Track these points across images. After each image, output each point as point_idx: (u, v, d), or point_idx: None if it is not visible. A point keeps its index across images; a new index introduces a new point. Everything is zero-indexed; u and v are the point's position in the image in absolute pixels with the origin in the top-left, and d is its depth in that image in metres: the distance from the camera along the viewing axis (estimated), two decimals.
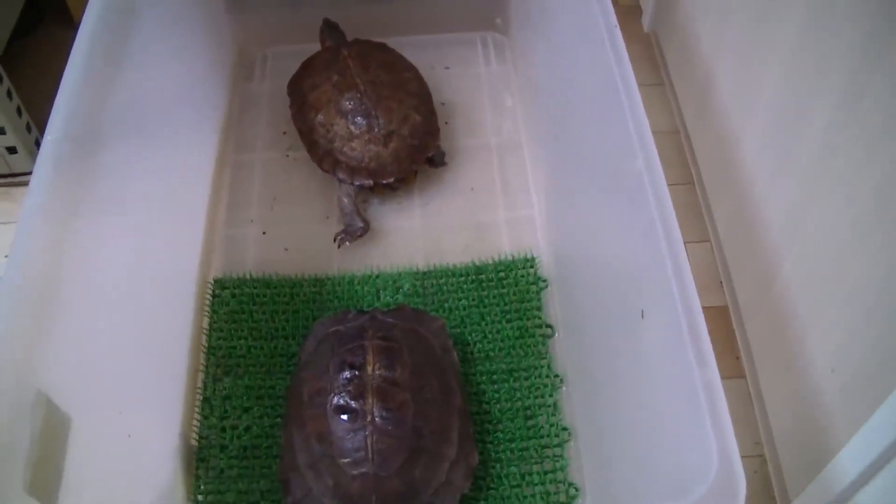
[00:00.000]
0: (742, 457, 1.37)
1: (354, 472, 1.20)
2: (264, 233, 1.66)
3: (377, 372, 1.26)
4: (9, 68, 1.75)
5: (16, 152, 1.78)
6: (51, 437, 0.94)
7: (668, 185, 1.04)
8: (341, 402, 1.24)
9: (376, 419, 1.21)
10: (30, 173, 1.06)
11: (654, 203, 1.02)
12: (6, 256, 0.96)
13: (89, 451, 1.02)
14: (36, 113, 1.81)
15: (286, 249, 1.62)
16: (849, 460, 1.09)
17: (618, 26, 1.22)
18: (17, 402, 0.91)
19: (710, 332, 0.89)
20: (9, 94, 1.72)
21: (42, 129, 1.10)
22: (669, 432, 0.98)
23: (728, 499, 0.81)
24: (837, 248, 1.16)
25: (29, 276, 0.98)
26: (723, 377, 0.85)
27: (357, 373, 1.26)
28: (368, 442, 1.20)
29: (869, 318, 1.08)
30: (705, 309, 0.92)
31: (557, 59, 1.55)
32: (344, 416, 1.22)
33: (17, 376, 0.92)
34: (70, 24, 1.92)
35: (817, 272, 1.22)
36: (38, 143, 1.80)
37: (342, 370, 1.26)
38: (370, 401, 1.23)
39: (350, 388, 1.24)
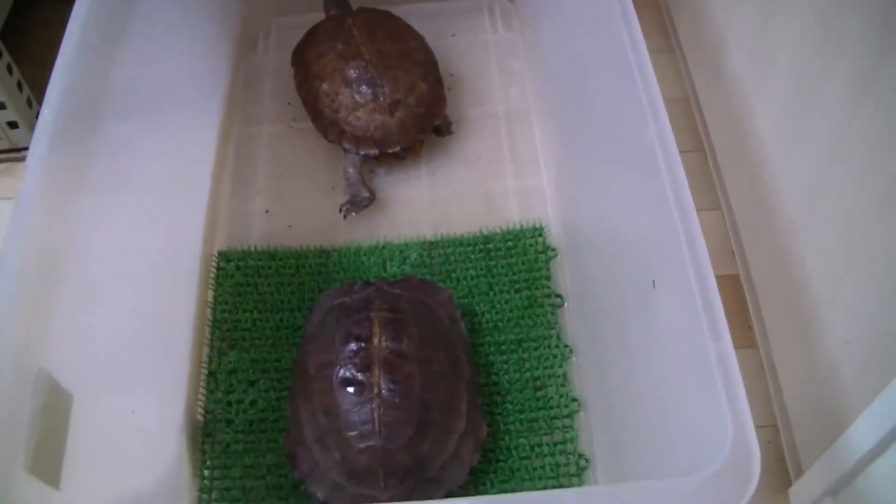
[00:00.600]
0: (756, 427, 1.37)
1: (361, 445, 1.19)
2: (269, 209, 1.64)
3: (384, 344, 1.25)
4: (9, 42, 1.73)
5: (17, 127, 1.75)
6: (52, 415, 0.93)
7: (679, 152, 1.02)
8: (347, 374, 1.22)
9: (383, 391, 1.20)
10: None
11: (666, 173, 1.00)
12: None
13: (92, 428, 1.01)
14: (37, 88, 1.78)
15: (290, 226, 1.61)
16: (862, 432, 1.08)
17: None
18: (19, 380, 0.90)
19: (722, 302, 0.88)
20: (9, 68, 1.70)
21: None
22: (683, 406, 0.96)
23: (742, 475, 0.80)
24: (855, 217, 1.14)
25: (28, 254, 0.96)
26: (735, 347, 0.83)
27: (363, 345, 1.24)
28: (375, 415, 1.19)
29: (885, 289, 1.07)
30: (717, 278, 0.91)
31: (566, 25, 1.52)
32: (350, 389, 1.21)
33: (18, 355, 0.90)
34: None
35: (833, 242, 1.20)
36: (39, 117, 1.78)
37: (348, 342, 1.25)
38: (377, 373, 1.22)
39: (356, 360, 1.23)
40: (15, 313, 0.92)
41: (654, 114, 1.05)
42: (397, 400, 1.20)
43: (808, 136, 1.26)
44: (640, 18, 1.17)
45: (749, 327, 1.48)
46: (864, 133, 1.10)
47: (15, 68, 1.71)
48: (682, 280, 0.92)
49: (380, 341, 1.25)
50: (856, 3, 1.12)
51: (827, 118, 1.20)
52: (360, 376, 1.22)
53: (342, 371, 1.23)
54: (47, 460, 0.90)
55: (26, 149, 1.76)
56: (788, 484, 1.32)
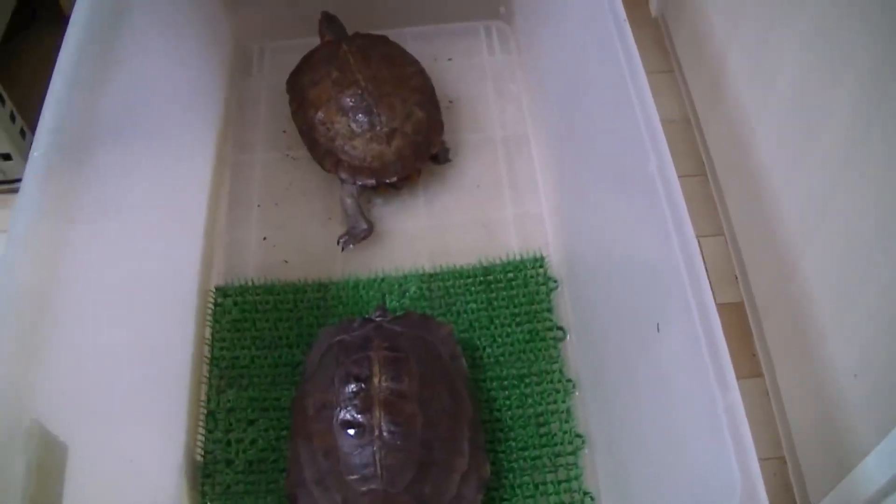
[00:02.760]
0: (760, 459, 1.35)
1: (363, 488, 1.17)
2: (265, 238, 1.62)
3: (384, 384, 1.23)
4: (0, 71, 1.71)
5: (10, 159, 1.74)
6: (47, 467, 0.92)
7: (680, 176, 1.02)
8: (347, 416, 1.21)
9: (384, 433, 1.18)
10: None
11: (668, 210, 0.99)
12: None
13: (89, 477, 1.00)
14: (30, 116, 1.76)
15: (286, 261, 1.59)
16: (875, 466, 1.06)
17: (626, 19, 1.18)
18: (10, 434, 0.88)
19: (725, 330, 0.86)
20: (0, 99, 1.68)
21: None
22: (690, 451, 0.95)
23: None
24: (862, 244, 1.13)
25: (17, 293, 0.95)
26: (739, 376, 0.82)
27: (363, 385, 1.23)
28: (377, 457, 1.17)
29: (894, 318, 1.05)
30: (720, 305, 0.90)
31: (563, 48, 1.51)
32: (350, 431, 1.20)
33: (8, 406, 0.89)
34: (64, 22, 1.89)
35: (840, 269, 1.19)
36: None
37: (347, 383, 1.23)
38: (377, 414, 1.20)
39: (356, 401, 1.21)
40: (6, 361, 0.91)
41: (655, 146, 1.05)
42: (398, 442, 1.18)
43: (809, 158, 1.25)
44: (639, 38, 1.16)
45: (753, 355, 1.47)
46: (868, 154, 1.09)
47: (7, 100, 1.70)
48: (688, 326, 0.91)
49: (380, 381, 1.23)
50: (856, 20, 1.11)
51: (829, 139, 1.19)
52: (360, 418, 1.20)
53: (342, 413, 1.21)
54: None
55: (20, 180, 1.75)
56: None
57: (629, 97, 1.10)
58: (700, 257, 0.94)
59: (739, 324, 1.51)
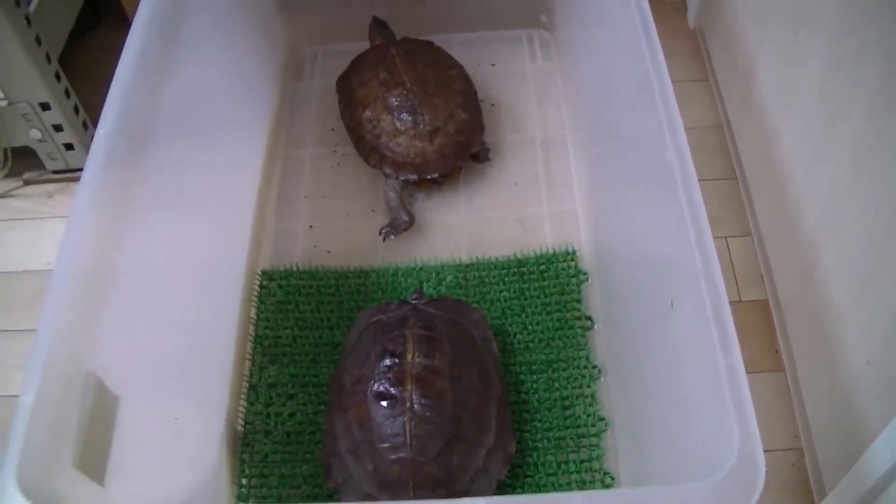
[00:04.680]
0: (780, 450, 1.39)
1: (393, 456, 1.23)
2: (311, 226, 1.70)
3: (417, 360, 1.29)
4: (66, 68, 1.81)
5: (73, 149, 1.84)
6: (100, 416, 0.97)
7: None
8: (381, 388, 1.27)
9: (415, 406, 1.24)
10: None
11: (683, 194, 1.02)
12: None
13: (137, 431, 1.05)
14: (92, 111, 1.86)
15: (329, 251, 1.66)
16: (881, 451, 1.09)
17: (652, 21, 1.23)
18: (69, 381, 0.94)
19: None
20: (66, 92, 1.78)
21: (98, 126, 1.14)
22: (697, 420, 0.98)
23: (748, 483, 0.81)
24: (876, 238, 1.16)
25: (80, 265, 1.01)
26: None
27: (397, 361, 1.29)
28: (407, 427, 1.23)
29: None
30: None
31: (598, 55, 1.56)
32: (384, 403, 1.25)
33: (69, 358, 0.95)
34: (125, 24, 1.98)
35: (856, 264, 1.23)
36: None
37: (383, 358, 1.29)
38: (409, 388, 1.26)
39: (390, 375, 1.27)
40: (66, 319, 0.96)
41: (674, 137, 1.08)
42: (428, 414, 1.24)
43: (830, 158, 1.29)
44: (677, 49, 1.20)
45: (776, 351, 1.50)
46: (885, 154, 1.13)
47: (72, 92, 1.79)
48: (697, 298, 0.95)
49: (413, 358, 1.29)
50: (874, 30, 1.15)
51: (848, 138, 1.23)
52: (393, 391, 1.26)
53: (376, 385, 1.27)
54: (94, 458, 0.94)
55: (82, 169, 1.84)
56: None
57: (652, 94, 1.14)
58: (710, 237, 0.98)
59: (764, 321, 1.54)
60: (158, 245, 1.22)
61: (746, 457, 0.83)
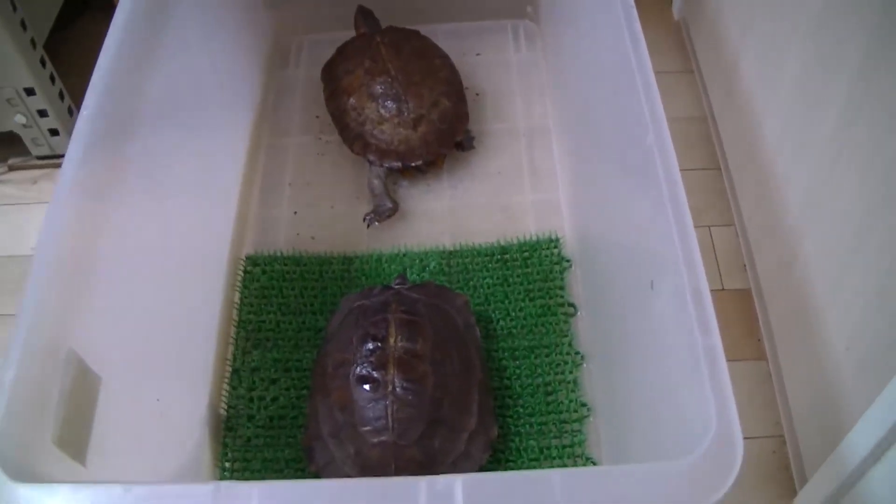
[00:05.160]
0: (761, 437, 1.40)
1: (374, 440, 1.23)
2: (296, 213, 1.70)
3: (399, 344, 1.29)
4: (52, 54, 1.80)
5: (57, 134, 1.84)
6: (81, 394, 0.98)
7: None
8: (363, 372, 1.27)
9: (397, 389, 1.25)
10: None
11: (663, 175, 1.03)
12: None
13: (119, 411, 1.05)
14: (77, 98, 1.83)
15: (313, 238, 1.66)
16: (860, 437, 1.10)
17: (634, 8, 1.24)
18: (49, 359, 0.94)
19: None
20: (51, 78, 1.78)
21: None
22: (677, 401, 0.98)
23: (726, 461, 0.81)
24: (854, 227, 1.17)
25: (62, 246, 1.01)
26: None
27: (379, 344, 1.29)
28: (389, 411, 1.23)
29: (883, 295, 1.10)
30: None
31: (582, 45, 1.57)
32: (366, 386, 1.26)
33: (50, 335, 0.95)
34: (112, 13, 1.98)
35: (834, 251, 1.24)
36: None
37: (365, 342, 1.30)
38: (391, 371, 1.26)
39: (372, 359, 1.28)
40: (48, 297, 0.96)
41: (654, 120, 1.09)
42: (410, 398, 1.24)
43: (809, 149, 1.30)
44: (662, 40, 1.21)
45: (759, 340, 1.51)
46: (862, 144, 1.14)
47: (57, 78, 1.79)
48: (676, 279, 0.95)
49: (396, 342, 1.29)
50: (854, 21, 1.16)
51: (827, 129, 1.24)
52: (375, 374, 1.26)
53: (359, 369, 1.28)
54: (74, 436, 0.95)
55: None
56: (793, 493, 1.35)
57: (633, 80, 1.14)
58: (689, 216, 0.99)
59: (746, 309, 1.55)
60: (142, 229, 1.22)
61: (724, 435, 0.83)
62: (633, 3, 1.25)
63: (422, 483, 0.80)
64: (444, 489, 0.80)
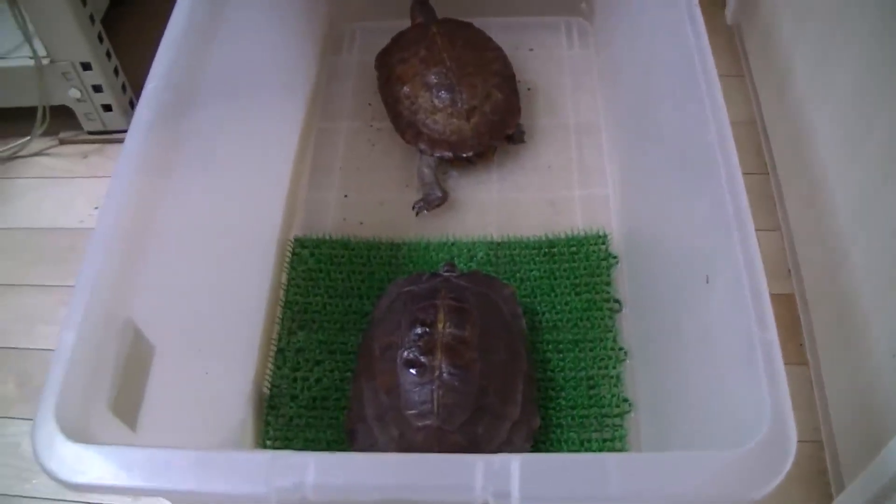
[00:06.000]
0: (800, 442, 1.39)
1: (419, 423, 1.24)
2: (346, 196, 1.72)
3: (447, 330, 1.30)
4: (109, 31, 1.83)
5: (111, 110, 1.86)
6: (136, 362, 0.99)
7: (743, 173, 1.05)
8: (411, 356, 1.28)
9: (444, 374, 1.25)
10: (123, 131, 1.11)
11: (723, 172, 1.04)
12: (96, 208, 1.01)
13: (169, 380, 1.07)
14: (132, 75, 1.89)
15: (361, 223, 1.67)
16: None
17: (699, 6, 1.24)
18: (108, 326, 0.96)
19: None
20: (108, 54, 1.80)
21: (136, 91, 1.15)
22: (727, 396, 0.99)
23: (780, 451, 0.82)
24: None
25: (122, 218, 1.02)
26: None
27: (428, 330, 1.30)
28: (435, 395, 1.24)
29: None
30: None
31: (638, 43, 1.57)
32: (413, 370, 1.27)
33: (109, 303, 0.96)
34: None
35: (884, 258, 1.23)
36: (132, 104, 1.87)
37: (413, 326, 1.31)
38: (439, 357, 1.27)
39: (420, 343, 1.29)
40: (109, 265, 0.98)
41: (716, 118, 1.09)
42: (456, 384, 1.25)
43: (862, 156, 1.30)
44: (714, 44, 1.20)
45: (801, 345, 1.51)
46: None
47: (113, 54, 1.81)
48: (735, 273, 0.96)
49: (444, 328, 1.30)
50: None
51: (882, 139, 1.24)
52: (422, 359, 1.27)
53: (406, 353, 1.28)
54: (128, 402, 0.96)
55: (118, 131, 1.87)
56: (830, 499, 1.34)
57: (696, 78, 1.15)
58: (749, 213, 1.00)
59: (789, 315, 1.55)
60: (197, 206, 1.23)
61: (778, 426, 0.84)
62: (696, 2, 1.26)
63: (479, 461, 0.81)
64: (502, 467, 0.80)
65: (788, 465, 0.81)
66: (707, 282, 1.06)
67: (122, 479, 0.81)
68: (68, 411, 0.86)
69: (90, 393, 0.91)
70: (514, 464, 0.80)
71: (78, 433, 0.84)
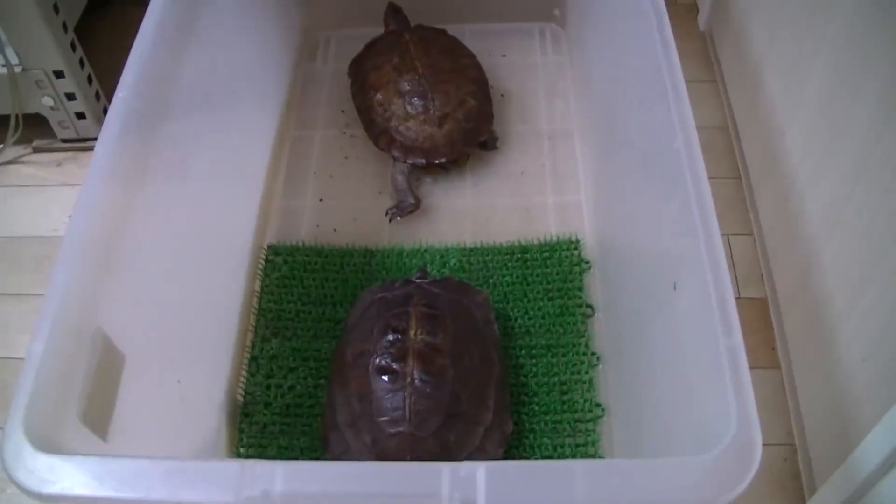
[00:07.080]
0: (772, 445, 1.41)
1: (392, 430, 1.24)
2: (321, 200, 1.72)
3: (419, 337, 1.30)
4: (82, 39, 1.82)
5: (84, 118, 1.86)
6: (106, 371, 0.99)
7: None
8: (383, 363, 1.28)
9: (416, 381, 1.26)
10: (97, 139, 1.10)
11: (689, 179, 1.04)
12: (70, 216, 1.01)
13: (141, 389, 1.07)
14: (105, 83, 1.89)
15: (335, 230, 1.67)
16: (871, 448, 1.10)
17: (667, 15, 1.25)
18: (78, 334, 0.96)
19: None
20: (81, 62, 1.80)
21: (110, 99, 1.15)
22: (695, 401, 1.00)
23: (745, 457, 0.83)
24: (874, 240, 1.18)
25: (92, 226, 1.03)
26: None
27: (400, 336, 1.30)
28: (407, 402, 1.24)
29: None
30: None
31: (609, 50, 1.58)
32: (385, 377, 1.27)
33: (79, 312, 0.97)
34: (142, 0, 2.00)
35: (854, 264, 1.24)
36: (105, 111, 1.87)
37: (386, 333, 1.31)
38: (411, 363, 1.27)
39: (392, 350, 1.29)
40: (78, 274, 0.98)
41: (683, 125, 1.10)
42: (429, 390, 1.25)
43: (833, 160, 1.31)
44: (687, 50, 1.22)
45: (773, 348, 1.52)
46: (886, 159, 1.14)
47: (87, 62, 1.81)
48: (700, 280, 0.97)
49: (416, 334, 1.31)
50: (882, 35, 1.17)
51: (852, 141, 1.25)
52: (394, 365, 1.27)
53: (378, 360, 1.29)
54: (98, 412, 0.96)
55: (92, 139, 1.86)
56: (803, 501, 1.35)
57: (664, 90, 1.15)
58: (715, 219, 1.00)
59: (762, 318, 1.56)
60: (169, 214, 1.23)
61: (744, 433, 0.84)
62: (664, 10, 1.26)
63: (445, 469, 0.81)
64: (467, 475, 0.81)
65: (754, 471, 0.82)
66: (675, 288, 1.07)
67: (91, 489, 0.81)
68: (37, 421, 0.86)
69: (60, 403, 0.91)
70: (480, 471, 0.81)
71: (47, 443, 0.85)
